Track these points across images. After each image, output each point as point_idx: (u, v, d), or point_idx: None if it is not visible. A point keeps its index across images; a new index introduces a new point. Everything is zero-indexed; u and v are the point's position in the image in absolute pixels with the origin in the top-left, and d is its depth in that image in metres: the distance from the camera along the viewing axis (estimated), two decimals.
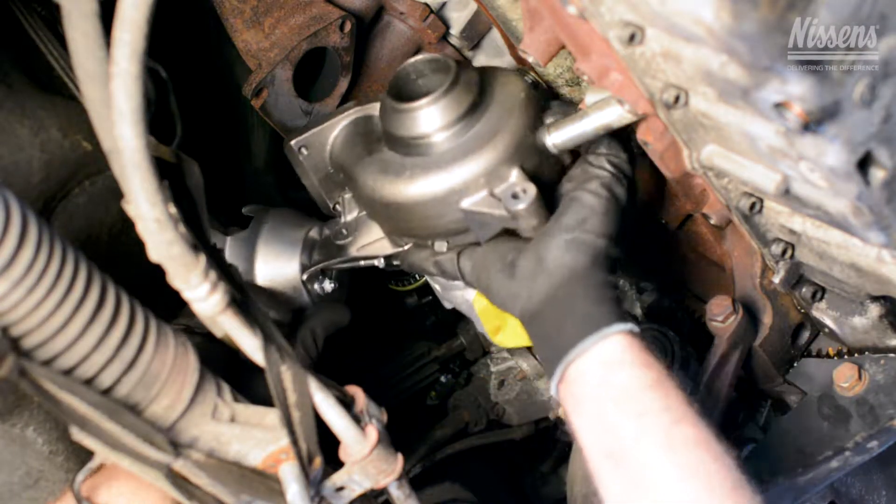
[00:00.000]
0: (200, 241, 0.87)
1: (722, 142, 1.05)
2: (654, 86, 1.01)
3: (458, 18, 1.61)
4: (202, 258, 0.86)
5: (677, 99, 0.99)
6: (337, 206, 1.49)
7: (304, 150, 1.42)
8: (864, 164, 0.91)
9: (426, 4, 1.58)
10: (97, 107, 0.78)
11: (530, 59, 1.15)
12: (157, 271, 0.86)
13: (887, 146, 0.90)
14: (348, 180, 1.37)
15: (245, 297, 0.95)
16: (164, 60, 1.50)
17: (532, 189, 1.17)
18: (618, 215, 1.17)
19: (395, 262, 1.39)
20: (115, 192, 0.84)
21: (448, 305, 1.49)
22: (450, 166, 1.21)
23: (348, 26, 1.58)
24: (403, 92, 1.29)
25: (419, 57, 1.31)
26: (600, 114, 1.13)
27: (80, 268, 0.83)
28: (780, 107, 0.85)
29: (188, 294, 0.87)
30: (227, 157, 1.90)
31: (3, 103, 1.27)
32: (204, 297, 0.87)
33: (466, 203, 1.20)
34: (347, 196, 1.47)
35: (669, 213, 1.38)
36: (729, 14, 0.76)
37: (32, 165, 1.29)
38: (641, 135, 1.12)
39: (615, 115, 1.11)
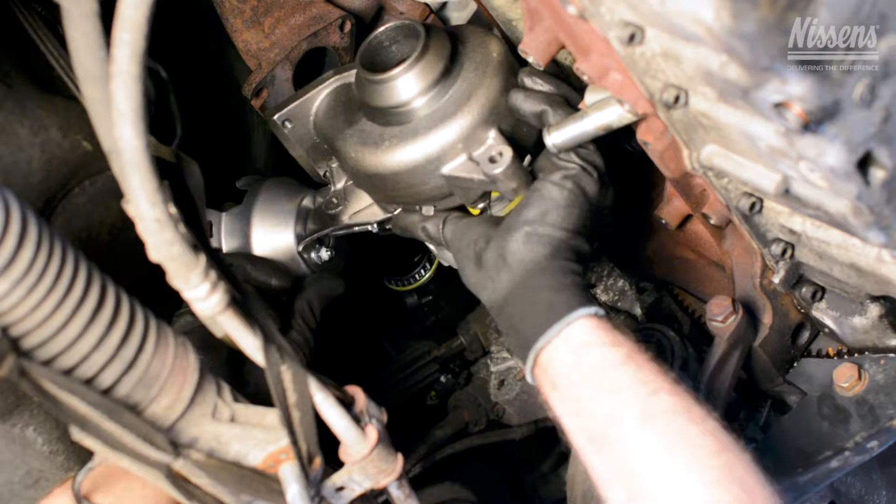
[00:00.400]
0: (200, 241, 0.87)
1: (722, 142, 1.05)
2: (654, 86, 1.01)
3: (458, 18, 1.61)
4: (202, 258, 0.85)
5: (677, 99, 0.99)
6: (327, 175, 1.49)
7: (287, 124, 1.43)
8: (864, 164, 0.91)
9: (426, 4, 1.58)
10: (97, 107, 0.78)
11: (530, 59, 1.15)
12: (157, 271, 0.86)
13: (887, 146, 0.90)
14: (332, 151, 1.38)
15: (245, 297, 0.95)
16: (164, 60, 1.50)
17: (508, 152, 1.18)
18: (585, 208, 1.17)
19: (388, 227, 1.40)
20: (115, 192, 0.84)
21: (445, 263, 1.50)
22: (427, 134, 1.22)
23: (348, 26, 1.59)
24: (377, 61, 1.29)
25: (389, 24, 1.32)
26: (600, 114, 1.13)
27: (80, 268, 0.83)
28: (780, 107, 0.85)
29: (188, 294, 0.87)
30: (227, 157, 1.90)
31: (3, 103, 1.27)
32: (204, 296, 0.87)
33: (446, 169, 1.22)
34: (335, 165, 1.48)
35: (669, 213, 1.38)
36: (729, 14, 0.76)
37: (32, 165, 1.29)
38: (641, 135, 1.12)
39: (615, 115, 1.11)
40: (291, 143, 1.45)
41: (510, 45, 1.34)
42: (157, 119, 1.51)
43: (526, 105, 1.22)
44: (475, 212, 1.33)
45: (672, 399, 1.01)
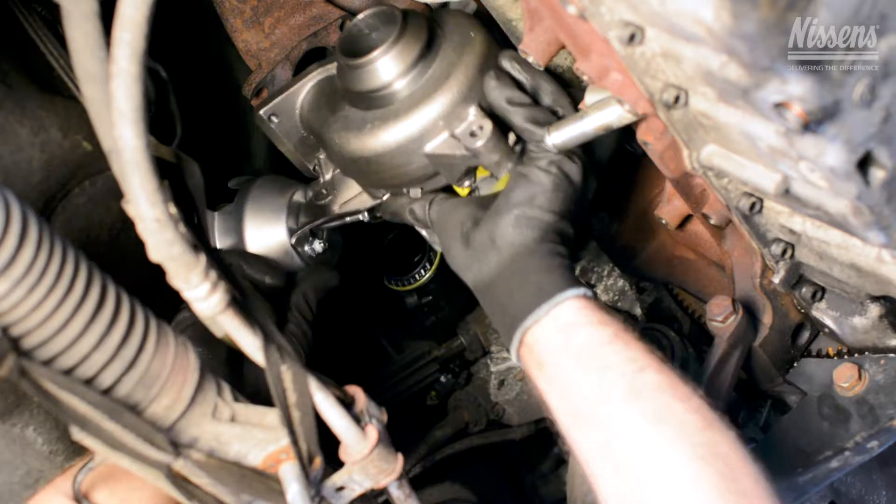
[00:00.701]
0: (200, 241, 0.87)
1: (722, 142, 1.05)
2: (654, 86, 1.01)
3: None
4: (202, 258, 0.86)
5: (677, 99, 0.99)
6: (316, 168, 1.50)
7: (274, 118, 1.44)
8: (864, 164, 0.91)
9: (426, 5, 1.58)
10: (97, 107, 0.78)
11: (530, 59, 1.15)
12: (157, 271, 0.86)
13: (887, 146, 0.90)
14: (319, 141, 1.39)
15: (245, 296, 0.95)
16: (164, 60, 1.50)
17: (488, 125, 1.19)
18: (570, 192, 1.19)
19: (378, 214, 1.41)
20: (115, 192, 0.84)
21: (437, 248, 1.51)
22: (408, 114, 1.23)
23: None
24: (357, 48, 1.30)
25: (367, 11, 1.33)
26: (600, 114, 1.13)
27: (81, 268, 0.83)
28: (780, 107, 0.85)
29: (188, 294, 0.87)
30: (227, 157, 1.90)
31: (3, 103, 1.27)
32: (204, 296, 0.87)
33: (429, 147, 1.23)
34: (322, 156, 1.49)
35: (669, 213, 1.38)
36: (729, 14, 0.76)
37: (32, 165, 1.29)
38: (641, 135, 1.12)
39: (615, 115, 1.11)
40: (279, 137, 1.46)
41: (510, 45, 1.34)
42: (157, 119, 1.51)
43: (493, 94, 1.22)
44: (462, 191, 1.33)
45: (658, 377, 1.02)
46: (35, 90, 1.34)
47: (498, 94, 1.21)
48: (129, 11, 0.74)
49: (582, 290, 1.11)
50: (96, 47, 0.75)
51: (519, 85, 1.24)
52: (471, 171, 1.28)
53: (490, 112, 1.22)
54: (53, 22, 1.32)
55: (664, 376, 1.02)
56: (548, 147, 1.19)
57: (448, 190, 1.33)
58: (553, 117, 1.21)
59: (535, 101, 1.23)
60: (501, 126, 1.21)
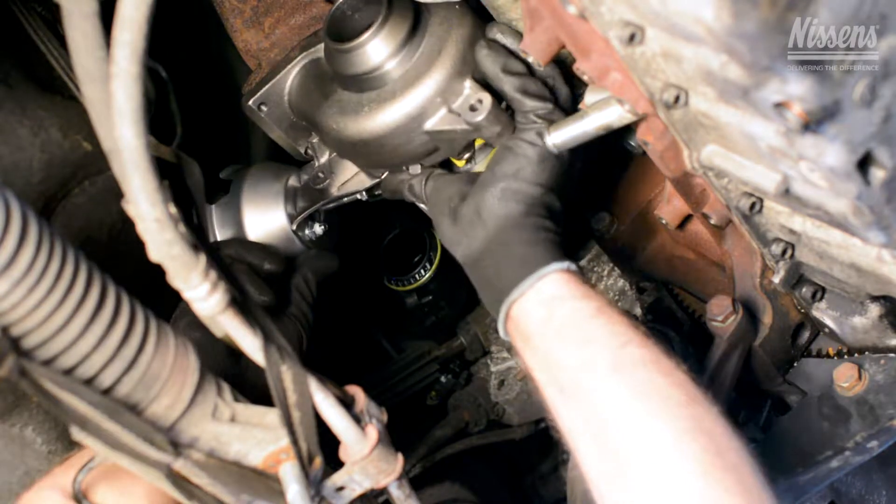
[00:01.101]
0: (200, 241, 0.87)
1: (722, 142, 1.05)
2: (654, 86, 1.01)
3: None
4: (202, 258, 0.85)
5: (677, 99, 0.99)
6: (309, 151, 1.50)
7: (263, 107, 1.44)
8: (864, 163, 0.91)
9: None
10: (97, 107, 0.78)
11: (530, 59, 1.15)
12: (157, 271, 0.86)
13: (887, 146, 0.90)
14: (312, 126, 1.39)
15: (245, 296, 0.95)
16: (164, 60, 1.50)
17: (487, 98, 1.20)
18: (556, 165, 1.19)
19: (377, 193, 1.41)
20: (115, 192, 0.84)
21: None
22: (405, 93, 1.23)
23: None
24: (344, 31, 1.30)
25: None
26: (600, 114, 1.13)
27: (81, 268, 0.83)
28: (780, 107, 0.85)
29: (188, 294, 0.87)
30: (227, 157, 1.90)
31: (3, 103, 1.27)
32: (204, 296, 0.87)
33: (429, 124, 1.24)
34: (315, 140, 1.49)
35: (669, 213, 1.38)
36: (729, 14, 0.76)
37: (32, 165, 1.29)
38: (641, 134, 1.12)
39: (615, 115, 1.11)
40: (269, 125, 1.46)
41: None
42: (157, 119, 1.51)
43: (486, 63, 1.22)
44: (460, 163, 1.33)
45: (641, 351, 1.02)
46: (35, 90, 1.34)
47: (491, 62, 1.21)
48: (129, 11, 0.74)
49: (566, 264, 1.11)
50: (96, 47, 0.75)
51: (510, 54, 1.24)
52: (470, 144, 1.28)
53: (484, 83, 1.22)
54: (53, 22, 1.32)
55: (647, 350, 1.02)
56: (533, 117, 1.18)
57: (446, 164, 1.33)
58: (545, 89, 1.22)
59: (530, 70, 1.23)
60: (496, 96, 1.22)
